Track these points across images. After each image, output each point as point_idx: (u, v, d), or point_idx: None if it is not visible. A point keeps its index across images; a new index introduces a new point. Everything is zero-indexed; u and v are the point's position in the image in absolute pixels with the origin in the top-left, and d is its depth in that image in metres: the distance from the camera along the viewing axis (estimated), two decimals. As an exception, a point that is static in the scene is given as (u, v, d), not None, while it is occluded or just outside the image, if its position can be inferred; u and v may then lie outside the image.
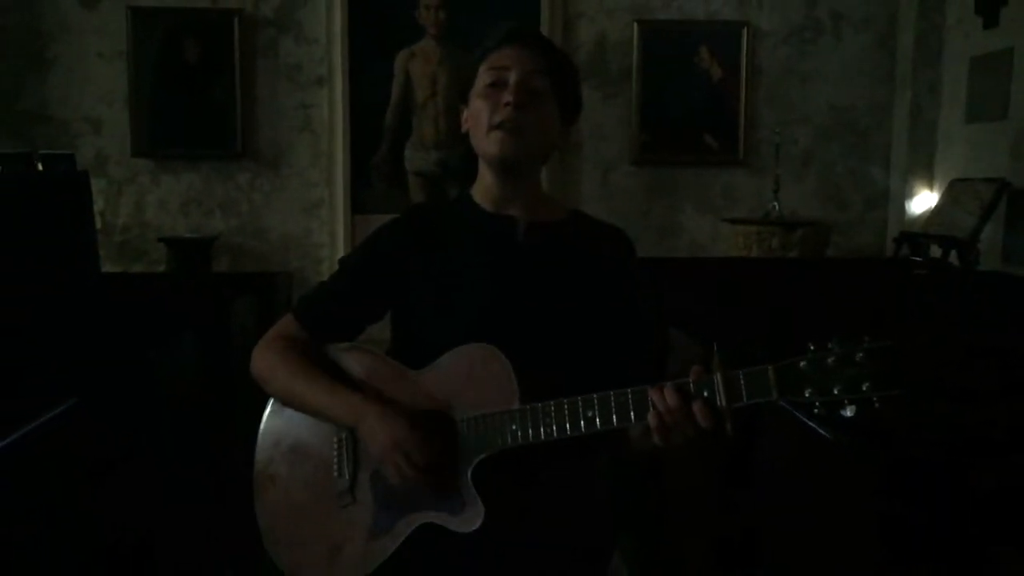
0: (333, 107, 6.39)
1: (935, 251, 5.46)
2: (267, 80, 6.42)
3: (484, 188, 1.55)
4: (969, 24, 6.06)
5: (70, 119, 6.31)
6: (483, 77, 1.50)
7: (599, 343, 1.48)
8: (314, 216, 6.49)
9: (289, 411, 1.55)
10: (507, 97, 1.45)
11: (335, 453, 1.48)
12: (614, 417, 1.29)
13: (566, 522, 1.46)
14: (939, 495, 1.64)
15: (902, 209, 6.55)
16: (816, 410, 1.19)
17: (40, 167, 3.93)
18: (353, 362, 1.51)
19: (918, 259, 5.44)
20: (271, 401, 1.58)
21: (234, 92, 6.34)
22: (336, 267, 1.61)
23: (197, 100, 6.35)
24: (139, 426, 2.15)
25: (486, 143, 1.48)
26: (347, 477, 1.47)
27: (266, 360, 1.53)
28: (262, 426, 1.58)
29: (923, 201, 6.42)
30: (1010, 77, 5.56)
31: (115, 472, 1.52)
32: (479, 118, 1.49)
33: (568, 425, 1.31)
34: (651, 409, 1.26)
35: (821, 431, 1.89)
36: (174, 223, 6.42)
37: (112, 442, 1.49)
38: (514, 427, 1.34)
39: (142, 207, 6.43)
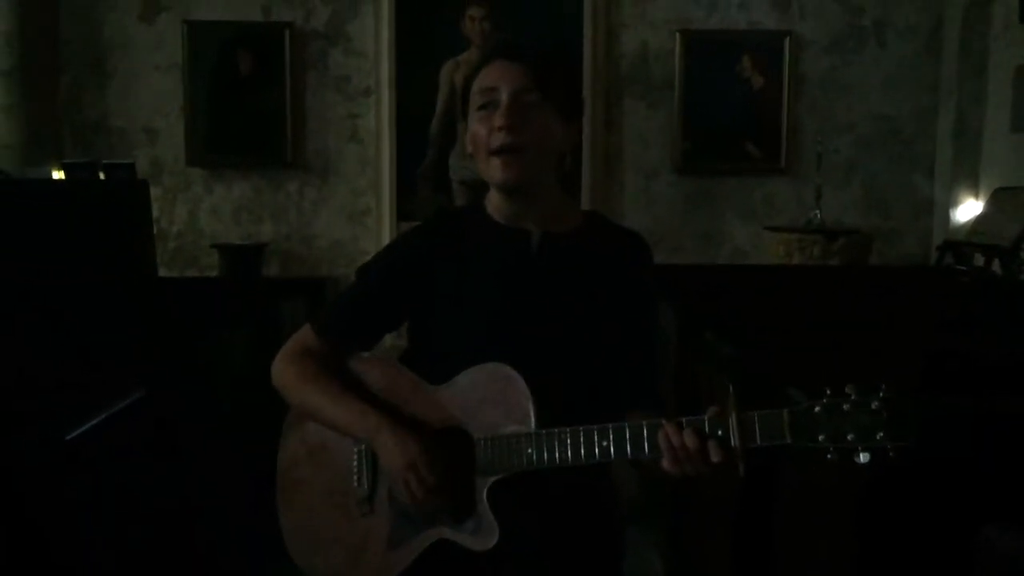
0: (380, 117, 6.54)
1: (979, 260, 5.45)
2: (316, 91, 6.60)
3: (496, 203, 1.54)
4: (1014, 32, 6.03)
5: (128, 129, 6.54)
6: (475, 99, 1.48)
7: (610, 354, 1.49)
8: (361, 224, 6.64)
9: (309, 421, 1.56)
10: (499, 121, 1.43)
11: (355, 462, 1.50)
12: (628, 448, 1.32)
13: (578, 537, 1.49)
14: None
15: (947, 218, 6.53)
16: (829, 455, 1.20)
17: (102, 176, 4.11)
18: (371, 374, 1.52)
19: (962, 268, 5.43)
20: (291, 409, 1.60)
21: (284, 103, 6.52)
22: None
23: (249, 111, 6.54)
24: (200, 418, 2.27)
25: (488, 169, 1.48)
26: (366, 487, 1.49)
27: (285, 372, 1.55)
28: (285, 428, 1.60)
29: (968, 210, 6.39)
30: (1055, 85, 5.54)
31: (178, 460, 1.62)
32: (477, 142, 1.47)
33: (583, 453, 1.33)
34: (664, 443, 1.28)
35: None
36: (226, 230, 6.61)
37: (175, 432, 1.60)
38: (530, 451, 1.35)
39: (195, 214, 6.64)
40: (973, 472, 1.66)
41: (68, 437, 1.56)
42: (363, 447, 1.48)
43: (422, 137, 6.50)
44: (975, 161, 6.47)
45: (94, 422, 1.66)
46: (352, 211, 6.66)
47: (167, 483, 1.94)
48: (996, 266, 5.21)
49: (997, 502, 1.42)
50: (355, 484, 1.49)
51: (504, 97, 1.44)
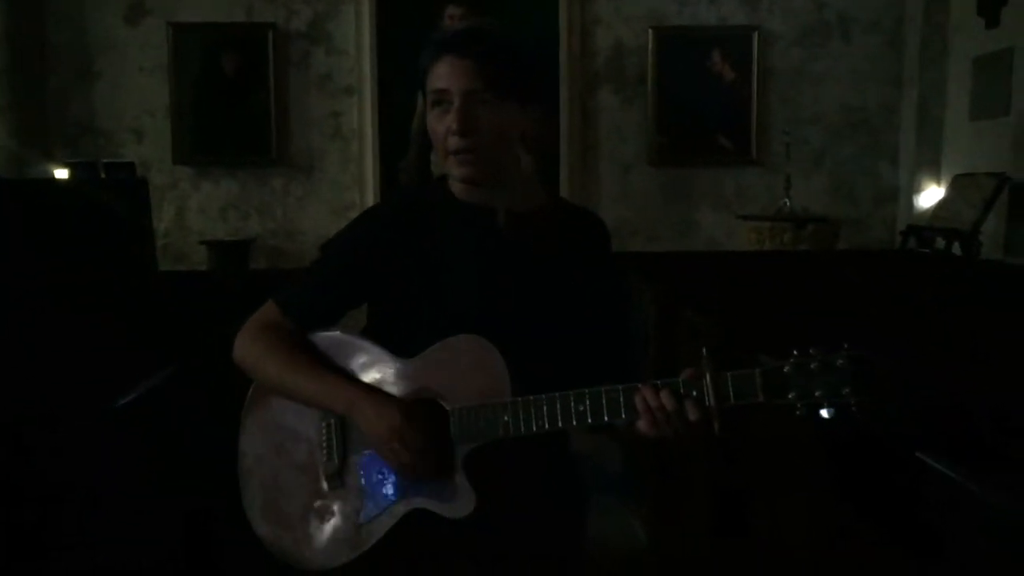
0: (362, 115, 6.72)
1: (940, 243, 5.70)
2: (300, 90, 6.76)
3: (460, 186, 1.54)
4: (972, 25, 6.30)
5: (115, 129, 6.67)
6: (429, 95, 1.48)
7: (578, 328, 1.51)
8: (345, 218, 6.68)
9: (273, 397, 1.54)
10: (452, 125, 1.43)
11: (324, 436, 1.49)
12: (605, 413, 1.32)
13: (548, 500, 1.52)
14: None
15: (910, 204, 6.80)
16: (798, 411, 1.24)
17: (103, 174, 4.26)
18: (340, 348, 1.51)
19: (925, 251, 5.68)
20: (252, 388, 1.57)
21: (269, 102, 6.68)
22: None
23: (234, 110, 6.70)
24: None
25: (448, 166, 1.49)
26: (336, 460, 1.47)
27: (251, 348, 1.52)
28: (245, 412, 1.57)
29: (931, 196, 6.66)
30: (1011, 75, 5.79)
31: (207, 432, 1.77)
32: (435, 136, 1.48)
33: (560, 419, 1.33)
34: (642, 405, 1.30)
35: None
36: (213, 227, 6.76)
37: (205, 404, 1.74)
38: (506, 419, 1.36)
39: (183, 212, 6.78)
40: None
41: (118, 404, 1.73)
42: (332, 420, 1.48)
43: (404, 133, 6.66)
44: (937, 149, 6.74)
45: (141, 391, 1.84)
46: (336, 206, 6.83)
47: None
48: (956, 248, 5.47)
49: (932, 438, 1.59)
50: (324, 459, 1.48)
51: (455, 99, 1.43)
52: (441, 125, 1.45)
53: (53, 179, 4.48)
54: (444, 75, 1.44)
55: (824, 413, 1.22)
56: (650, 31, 6.81)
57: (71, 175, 3.88)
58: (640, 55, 6.86)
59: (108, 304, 2.74)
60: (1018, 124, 5.73)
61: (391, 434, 1.38)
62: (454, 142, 1.43)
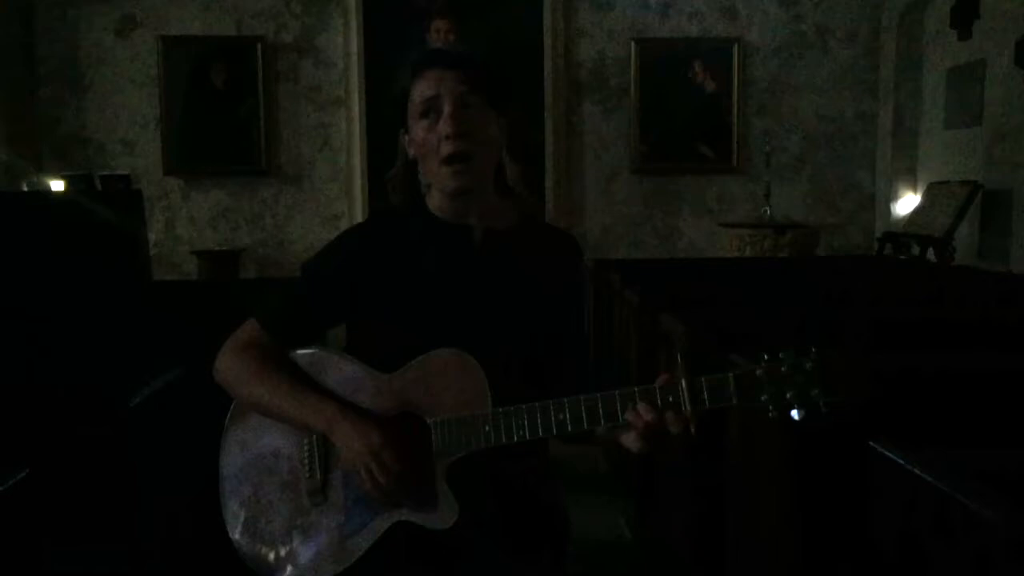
0: (351, 126, 6.83)
1: (915, 249, 5.85)
2: (289, 102, 6.86)
3: (439, 203, 1.55)
4: (946, 37, 6.46)
5: (106, 141, 6.76)
6: (417, 106, 1.49)
7: (551, 343, 1.54)
8: (334, 228, 6.88)
9: (253, 415, 1.54)
10: (446, 129, 1.46)
11: (306, 453, 1.49)
12: (584, 420, 1.35)
13: (531, 509, 1.54)
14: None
15: (888, 211, 6.96)
16: (770, 413, 1.28)
17: (99, 186, 4.35)
18: (321, 366, 1.52)
19: (901, 257, 5.83)
20: (234, 405, 1.57)
21: (258, 113, 6.79)
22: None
23: (224, 121, 6.79)
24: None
25: (440, 177, 1.49)
26: (318, 476, 1.48)
27: (232, 367, 1.53)
28: (227, 425, 1.57)
29: (907, 203, 6.82)
30: (983, 86, 5.96)
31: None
32: (425, 147, 1.49)
33: (540, 427, 1.37)
34: (622, 412, 1.34)
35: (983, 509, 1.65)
36: (203, 237, 6.85)
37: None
38: (487, 429, 1.38)
39: (173, 222, 6.87)
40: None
41: (132, 404, 1.83)
42: (313, 437, 1.48)
43: (392, 144, 6.74)
44: (913, 157, 6.91)
45: (152, 390, 1.94)
46: (325, 216, 6.93)
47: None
48: (930, 254, 5.62)
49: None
50: (306, 475, 1.49)
51: (447, 105, 1.46)
52: (432, 134, 1.46)
53: (50, 191, 4.57)
54: (432, 84, 1.47)
55: (795, 414, 1.27)
56: (632, 43, 6.95)
57: (67, 187, 3.98)
58: (623, 66, 7.00)
59: (106, 313, 2.84)
60: (990, 133, 5.89)
61: (369, 454, 1.40)
62: (449, 146, 1.45)
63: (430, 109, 1.47)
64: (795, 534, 1.92)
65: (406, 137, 1.55)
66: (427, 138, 1.48)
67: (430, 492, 1.40)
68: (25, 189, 5.30)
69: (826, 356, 1.27)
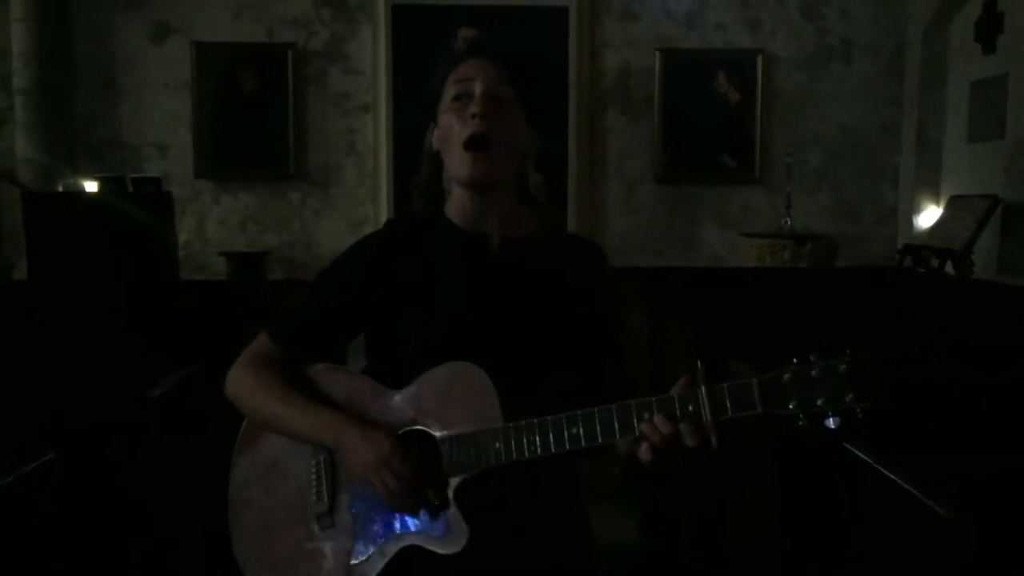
0: (377, 132, 6.95)
1: (934, 262, 5.87)
2: (317, 107, 7.00)
3: (458, 206, 1.52)
4: (970, 51, 6.48)
5: (139, 144, 6.93)
6: (449, 90, 1.48)
7: (571, 357, 1.46)
8: (360, 232, 6.93)
9: (264, 434, 1.51)
10: (473, 109, 1.43)
11: (313, 476, 1.46)
12: (599, 434, 1.28)
13: (548, 540, 1.45)
14: None
15: (910, 223, 6.97)
16: (800, 422, 1.18)
17: (130, 188, 4.48)
18: (331, 382, 1.48)
19: (920, 270, 5.85)
20: (245, 423, 1.54)
21: (287, 118, 6.93)
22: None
23: (253, 126, 6.94)
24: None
25: (458, 164, 1.45)
26: (326, 500, 1.44)
27: (242, 381, 1.49)
28: (236, 448, 1.54)
29: (930, 216, 6.82)
30: (1005, 100, 5.97)
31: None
32: (449, 134, 1.46)
33: (552, 442, 1.29)
34: (637, 424, 1.26)
35: (936, 507, 1.60)
36: (232, 239, 7.00)
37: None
38: (498, 445, 1.32)
39: (203, 224, 7.02)
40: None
41: (154, 395, 1.94)
42: (321, 459, 1.45)
43: (417, 150, 6.85)
44: (936, 170, 6.91)
45: (173, 384, 2.05)
46: (351, 220, 7.05)
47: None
48: (949, 267, 5.63)
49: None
50: (314, 498, 1.45)
51: (478, 88, 1.44)
52: (458, 116, 1.44)
53: (83, 192, 4.72)
54: (469, 69, 1.46)
55: (829, 423, 1.16)
56: (657, 53, 7.02)
57: (100, 188, 4.11)
58: (647, 76, 7.07)
59: (134, 308, 2.95)
60: (1012, 147, 5.90)
61: (379, 463, 1.35)
62: (472, 126, 1.42)
63: (463, 93, 1.45)
64: (780, 529, 1.97)
65: (434, 131, 1.52)
66: (452, 120, 1.45)
67: (438, 514, 1.35)
68: (60, 190, 5.46)
69: (860, 358, 1.17)
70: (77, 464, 1.63)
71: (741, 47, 7.07)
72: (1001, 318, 4.00)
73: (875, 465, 1.35)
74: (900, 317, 3.91)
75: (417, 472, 1.34)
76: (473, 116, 1.42)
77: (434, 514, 1.35)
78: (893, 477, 1.31)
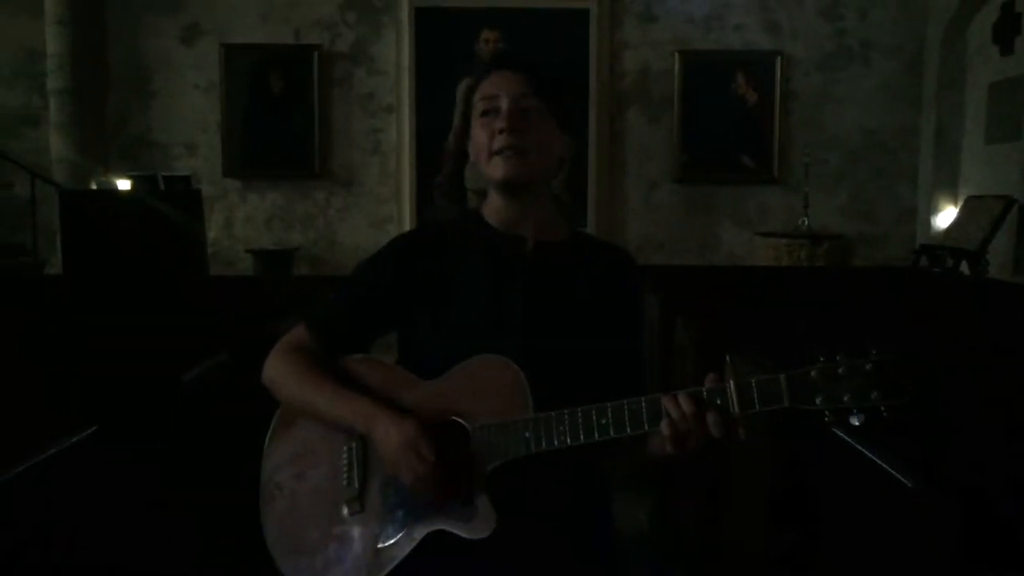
0: (401, 132, 7.10)
1: (949, 262, 5.91)
2: (342, 108, 7.15)
3: (494, 208, 1.56)
4: (989, 53, 6.52)
5: (169, 144, 7.11)
6: (477, 107, 1.53)
7: (600, 359, 1.50)
8: (383, 230, 7.15)
9: (298, 420, 1.55)
10: (500, 124, 1.48)
11: (344, 462, 1.49)
12: (628, 425, 1.31)
13: (572, 527, 1.48)
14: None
15: (928, 224, 7.01)
16: (826, 417, 1.21)
17: (162, 186, 4.64)
18: (365, 372, 1.52)
19: (935, 270, 5.89)
20: (279, 410, 1.58)
21: (313, 119, 7.09)
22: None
23: (280, 126, 7.11)
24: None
25: (490, 168, 1.50)
26: (356, 485, 1.47)
27: (278, 367, 1.55)
28: (269, 435, 1.59)
29: (947, 216, 6.85)
30: (1022, 101, 6.00)
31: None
32: (480, 147, 1.52)
33: (582, 433, 1.33)
34: (665, 417, 1.29)
35: (901, 477, 1.69)
36: (259, 236, 7.16)
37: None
38: (528, 435, 1.35)
39: (231, 222, 7.19)
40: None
41: (185, 378, 2.07)
42: (353, 445, 1.49)
43: (440, 150, 7.01)
44: (954, 171, 6.94)
45: (203, 370, 2.18)
46: (375, 219, 7.20)
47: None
48: (964, 267, 5.68)
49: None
50: (344, 484, 1.49)
51: (505, 103, 1.49)
52: (487, 130, 1.49)
53: (117, 190, 4.89)
54: (496, 84, 1.50)
55: (854, 420, 1.19)
56: (676, 55, 7.11)
57: (133, 186, 4.28)
58: (666, 77, 7.16)
59: (167, 299, 3.09)
60: (1028, 148, 5.94)
61: (407, 446, 1.38)
62: (501, 140, 1.46)
63: (490, 109, 1.50)
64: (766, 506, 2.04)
65: (456, 132, 1.61)
66: (482, 134, 1.51)
67: (467, 501, 1.38)
68: (95, 188, 5.64)
69: (886, 357, 1.20)
70: (119, 437, 1.76)
71: (760, 48, 7.14)
72: (1012, 318, 4.04)
73: (855, 445, 1.44)
74: (911, 315, 3.98)
75: (444, 458, 1.37)
76: (500, 131, 1.47)
77: (464, 500, 1.38)
78: (870, 455, 1.39)
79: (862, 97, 7.16)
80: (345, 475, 1.48)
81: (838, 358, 1.21)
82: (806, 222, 6.63)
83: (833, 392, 1.20)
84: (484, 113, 1.50)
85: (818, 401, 1.21)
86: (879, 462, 1.41)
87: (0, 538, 1.61)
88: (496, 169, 1.48)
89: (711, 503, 2.74)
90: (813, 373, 1.22)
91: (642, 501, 3.80)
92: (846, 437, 1.39)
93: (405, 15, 6.99)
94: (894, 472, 1.39)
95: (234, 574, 2.12)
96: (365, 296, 1.55)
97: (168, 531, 2.12)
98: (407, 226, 7.01)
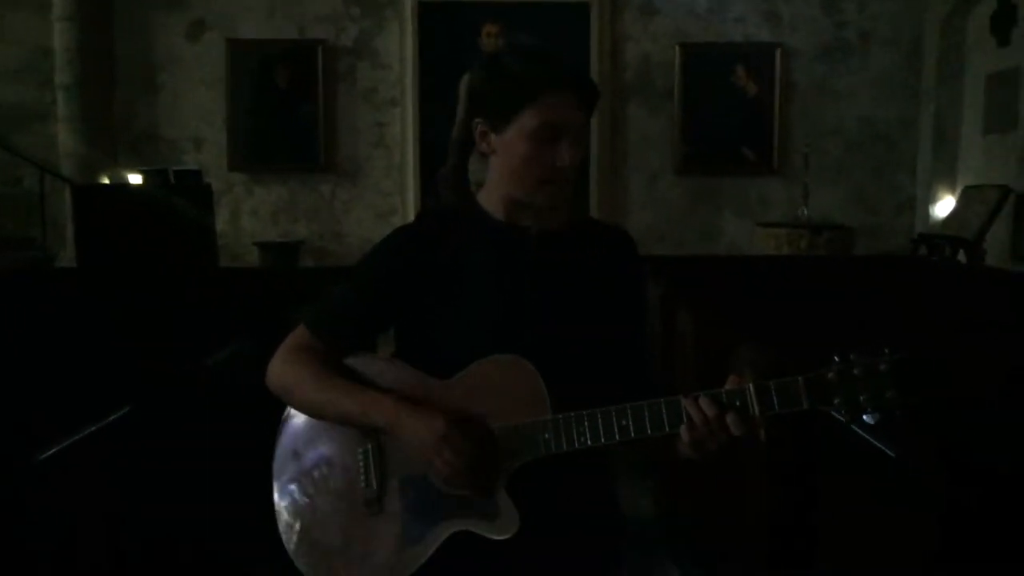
0: (405, 125, 7.18)
1: (948, 251, 5.99)
2: (347, 102, 7.24)
3: (496, 199, 1.50)
4: (987, 44, 6.58)
5: (176, 137, 7.20)
6: (532, 117, 1.41)
7: (609, 346, 1.49)
8: (388, 222, 7.22)
9: (308, 423, 1.52)
10: (564, 159, 1.41)
11: (360, 463, 1.46)
12: (648, 426, 1.31)
13: (587, 526, 1.49)
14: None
15: (927, 213, 7.09)
16: (843, 418, 1.25)
17: (173, 180, 4.73)
18: (376, 371, 1.48)
19: (933, 259, 5.97)
20: (287, 414, 1.54)
21: (317, 113, 7.17)
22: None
23: (285, 120, 7.20)
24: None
25: (537, 194, 1.45)
26: (374, 487, 1.45)
27: (287, 371, 1.48)
28: (279, 439, 1.55)
29: (946, 206, 6.93)
30: (1019, 92, 6.08)
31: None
32: (525, 163, 1.42)
33: (602, 434, 1.33)
34: (686, 420, 1.30)
35: (885, 448, 1.76)
36: (265, 229, 7.25)
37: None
38: (547, 436, 1.35)
39: (237, 215, 7.28)
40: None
41: (208, 362, 2.16)
42: (368, 446, 1.45)
43: (443, 142, 7.04)
44: (952, 161, 7.02)
45: (222, 356, 2.27)
46: (380, 211, 7.28)
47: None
48: (961, 256, 5.76)
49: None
50: (362, 485, 1.45)
51: (570, 134, 1.41)
52: (547, 156, 1.40)
53: (129, 184, 4.98)
54: (566, 107, 1.40)
55: (868, 419, 1.24)
56: (677, 47, 7.18)
57: (144, 180, 4.37)
58: (667, 70, 7.24)
59: (180, 293, 3.18)
60: (1024, 138, 6.01)
61: (440, 440, 1.35)
62: (559, 174, 1.41)
63: (552, 137, 1.40)
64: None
65: (482, 131, 1.47)
66: (532, 154, 1.41)
67: (490, 501, 1.37)
68: (106, 182, 5.71)
69: (901, 357, 1.23)
70: (149, 418, 1.85)
71: (760, 40, 7.21)
72: (1007, 304, 4.10)
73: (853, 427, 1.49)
74: (909, 303, 4.04)
75: (474, 451, 1.35)
76: (567, 164, 1.40)
77: (486, 501, 1.37)
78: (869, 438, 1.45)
79: (861, 88, 7.24)
80: (362, 477, 1.45)
81: (852, 358, 1.24)
82: (806, 212, 6.71)
83: (851, 393, 1.24)
84: (541, 128, 1.40)
85: (836, 402, 1.24)
86: (862, 433, 1.48)
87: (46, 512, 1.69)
88: (543, 198, 1.44)
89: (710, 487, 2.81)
90: (830, 375, 1.25)
91: (644, 486, 3.90)
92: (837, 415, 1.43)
93: (408, 9, 7.07)
94: (876, 443, 1.46)
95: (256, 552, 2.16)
96: (368, 293, 1.50)
97: (193, 503, 2.21)
98: (412, 218, 7.03)
